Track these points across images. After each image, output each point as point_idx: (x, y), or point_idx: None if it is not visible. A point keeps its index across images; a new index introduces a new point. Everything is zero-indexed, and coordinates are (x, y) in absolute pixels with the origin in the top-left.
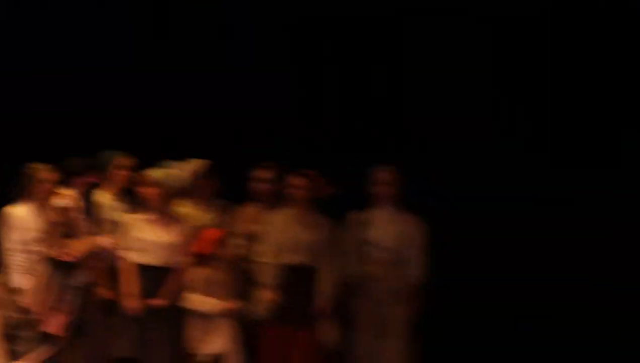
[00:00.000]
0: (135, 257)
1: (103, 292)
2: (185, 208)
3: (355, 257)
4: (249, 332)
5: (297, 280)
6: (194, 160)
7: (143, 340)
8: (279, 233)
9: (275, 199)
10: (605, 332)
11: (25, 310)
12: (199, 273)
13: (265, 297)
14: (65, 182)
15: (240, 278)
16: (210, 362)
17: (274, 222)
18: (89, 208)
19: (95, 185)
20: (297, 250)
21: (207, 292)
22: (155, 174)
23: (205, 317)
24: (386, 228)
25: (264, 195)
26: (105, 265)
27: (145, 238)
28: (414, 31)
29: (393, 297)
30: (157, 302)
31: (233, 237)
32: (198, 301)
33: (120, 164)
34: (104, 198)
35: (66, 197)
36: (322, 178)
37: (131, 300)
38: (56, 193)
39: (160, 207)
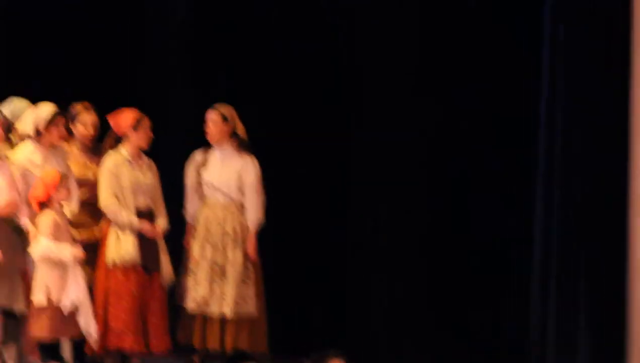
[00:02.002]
0: None
1: None
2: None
3: (195, 198)
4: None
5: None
6: (39, 104)
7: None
8: (124, 178)
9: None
10: None
11: None
12: (46, 220)
13: (125, 241)
14: None
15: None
16: (73, 311)
17: (114, 167)
18: None
19: None
20: (144, 194)
21: (57, 238)
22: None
23: (60, 264)
24: (220, 170)
25: (87, 139)
26: None
27: None
28: None
29: (230, 239)
30: None
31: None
32: (51, 248)
33: None
34: None
35: None
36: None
37: None
38: None
39: None
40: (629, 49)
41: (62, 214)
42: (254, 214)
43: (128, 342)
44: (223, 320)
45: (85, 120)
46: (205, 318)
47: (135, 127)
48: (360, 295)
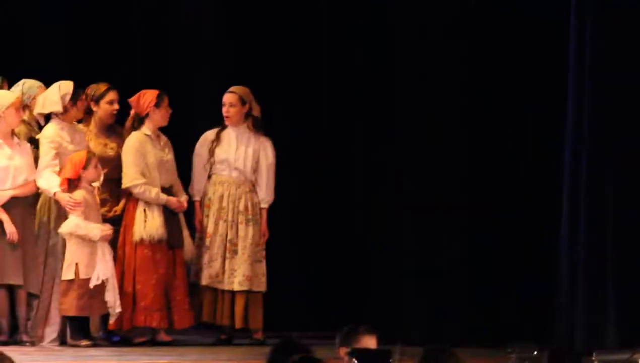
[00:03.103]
0: None
1: None
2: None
3: (203, 176)
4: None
5: None
6: (60, 82)
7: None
8: (149, 156)
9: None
10: None
11: None
12: (75, 198)
13: (152, 218)
14: None
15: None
16: (100, 286)
17: (139, 145)
18: None
19: None
20: (166, 171)
21: (86, 217)
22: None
23: (89, 242)
24: (236, 149)
25: (111, 117)
26: None
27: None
28: None
29: (243, 216)
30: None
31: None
32: (80, 226)
33: None
34: None
35: None
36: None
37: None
38: None
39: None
40: None
41: (92, 193)
42: (268, 194)
43: (156, 319)
44: (234, 297)
45: (111, 98)
46: (218, 294)
47: (158, 104)
48: (385, 266)
